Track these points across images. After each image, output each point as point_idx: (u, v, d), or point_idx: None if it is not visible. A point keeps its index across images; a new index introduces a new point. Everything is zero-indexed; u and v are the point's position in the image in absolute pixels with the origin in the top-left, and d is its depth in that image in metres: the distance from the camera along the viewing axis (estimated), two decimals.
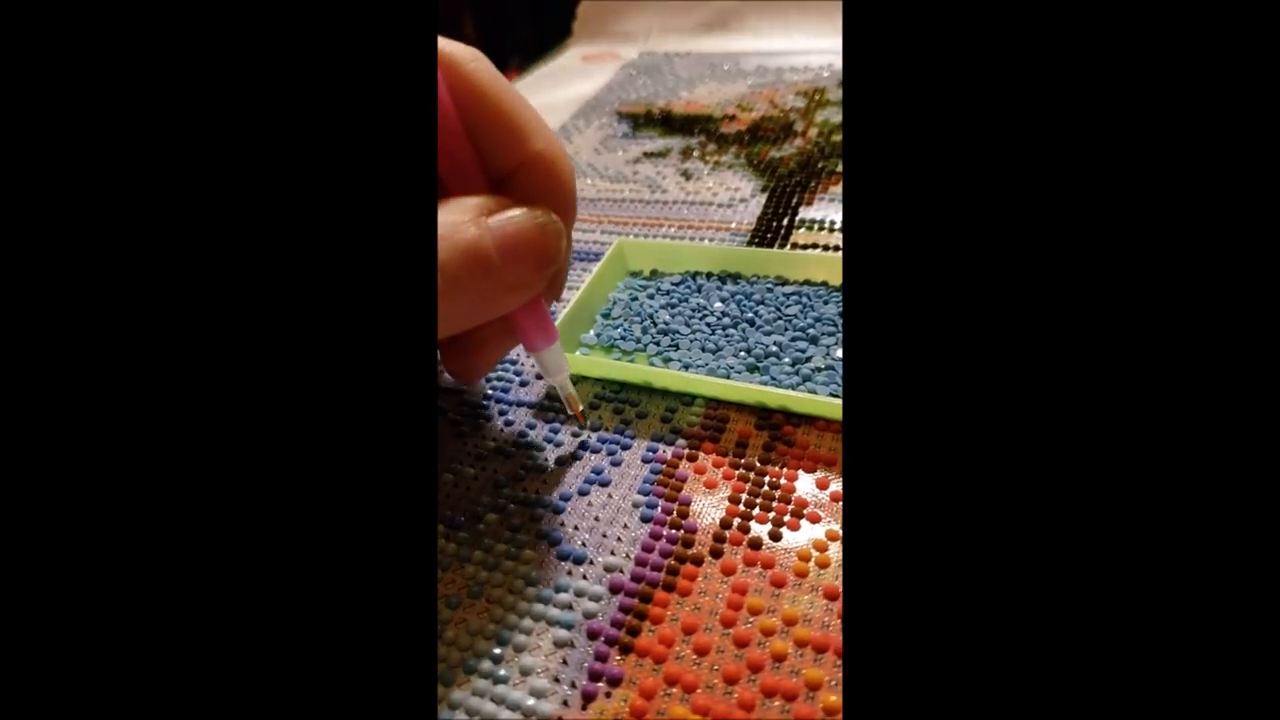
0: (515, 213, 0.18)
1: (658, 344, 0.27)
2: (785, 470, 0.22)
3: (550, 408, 0.26)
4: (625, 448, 0.24)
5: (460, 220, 0.17)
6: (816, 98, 0.50)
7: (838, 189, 0.38)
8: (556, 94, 0.57)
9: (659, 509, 0.22)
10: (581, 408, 0.24)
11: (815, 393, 0.24)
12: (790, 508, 0.21)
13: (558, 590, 0.20)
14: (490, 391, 0.27)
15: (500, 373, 0.28)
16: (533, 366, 0.28)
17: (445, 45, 0.19)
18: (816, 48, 0.59)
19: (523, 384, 0.27)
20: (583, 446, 0.24)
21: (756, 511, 0.21)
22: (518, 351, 0.29)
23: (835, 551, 0.20)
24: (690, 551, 0.20)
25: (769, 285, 0.29)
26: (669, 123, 0.49)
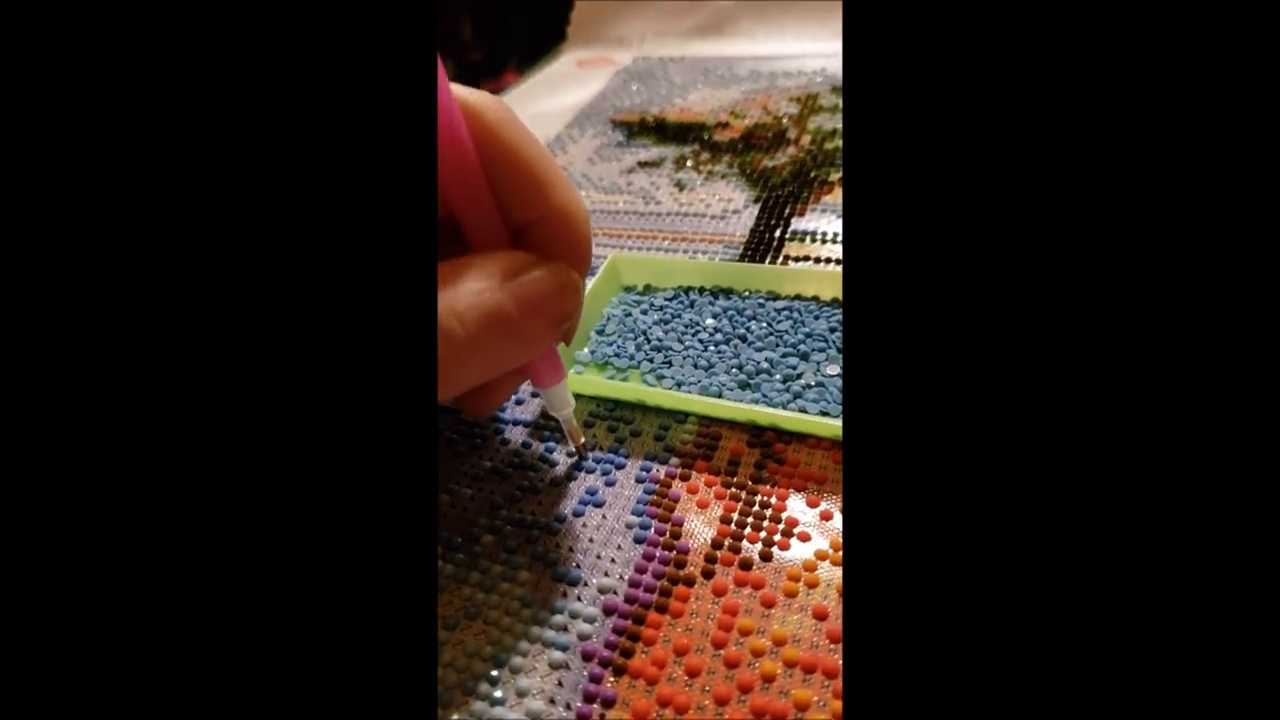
0: (536, 274, 0.19)
1: (651, 361, 0.28)
2: (776, 489, 0.23)
3: (546, 427, 0.26)
4: (619, 467, 0.24)
5: (485, 286, 0.18)
6: (810, 104, 0.50)
7: (830, 199, 0.38)
8: (551, 101, 0.58)
9: (652, 529, 0.22)
10: (584, 440, 0.25)
11: (806, 410, 0.24)
12: (781, 527, 0.22)
13: (553, 612, 0.20)
14: None
15: None
16: (528, 385, 0.28)
17: (470, 94, 0.19)
18: (811, 51, 0.59)
19: (519, 403, 0.28)
20: (578, 466, 0.24)
21: (748, 531, 0.22)
22: None
23: (825, 571, 0.20)
24: (682, 572, 0.21)
25: (761, 300, 0.30)
26: (662, 131, 0.50)
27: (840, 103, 0.48)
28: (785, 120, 0.48)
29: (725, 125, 0.49)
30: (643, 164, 0.45)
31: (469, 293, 0.18)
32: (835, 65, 0.56)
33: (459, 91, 0.19)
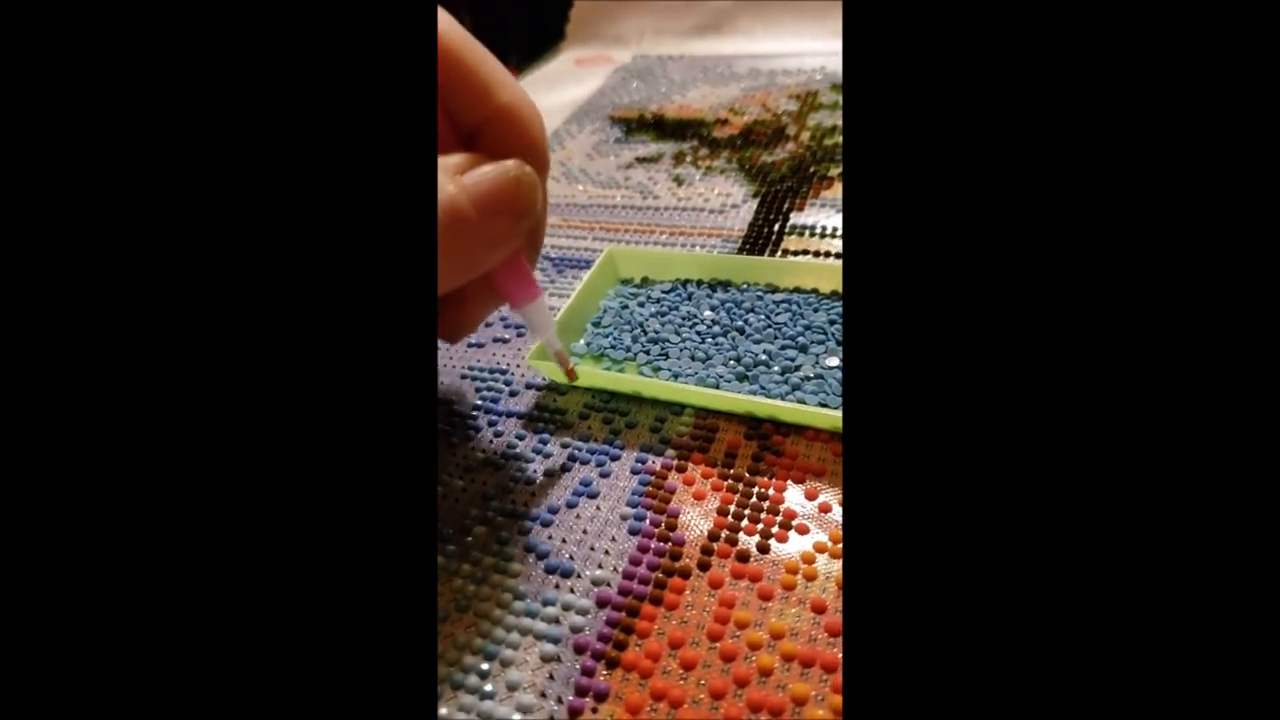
0: (489, 168, 0.18)
1: (647, 352, 0.27)
2: (774, 481, 0.22)
3: (539, 418, 0.26)
4: (614, 458, 0.24)
5: (437, 183, 0.17)
6: (809, 101, 0.50)
7: (829, 194, 0.38)
8: (550, 98, 0.57)
9: (647, 521, 0.22)
10: (572, 364, 0.24)
11: (804, 402, 0.24)
12: (779, 519, 0.21)
13: (545, 604, 0.20)
14: (479, 402, 0.27)
15: (489, 383, 0.28)
16: (522, 376, 0.28)
17: None
18: (810, 49, 0.59)
19: (512, 394, 0.27)
20: (571, 458, 0.24)
21: (745, 523, 0.21)
22: (508, 360, 0.29)
23: (823, 564, 0.20)
24: (678, 564, 0.20)
25: (759, 293, 0.29)
26: (661, 127, 0.49)
27: (840, 100, 0.48)
28: (784, 117, 0.48)
29: (724, 122, 0.49)
30: (641, 159, 0.45)
31: None
32: (835, 63, 0.55)
33: None
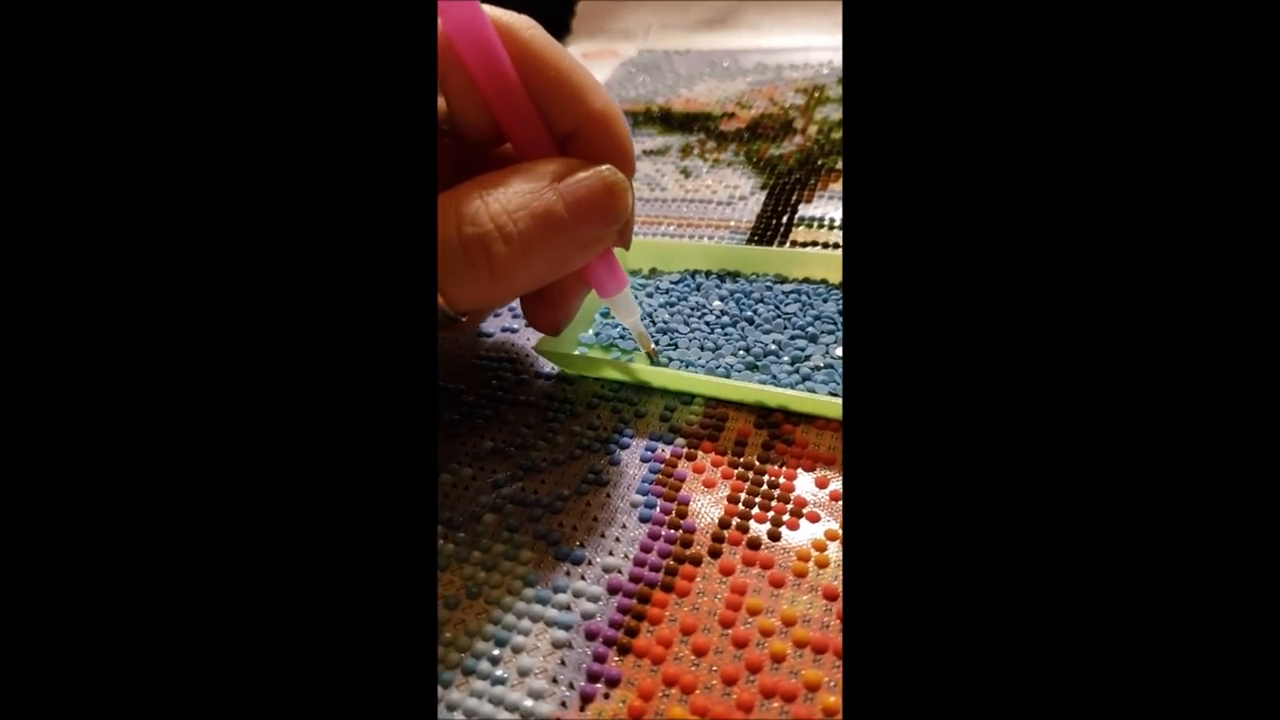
0: (584, 175, 0.19)
1: (656, 343, 0.27)
2: (784, 469, 0.22)
3: (549, 407, 0.26)
4: (624, 447, 0.24)
5: (536, 188, 0.19)
6: (816, 95, 0.50)
7: (837, 186, 0.38)
8: None
9: (657, 509, 0.22)
10: (653, 345, 0.25)
11: (814, 391, 0.24)
12: (789, 507, 0.21)
13: (556, 591, 0.20)
14: (488, 391, 0.27)
15: (498, 372, 0.28)
16: (531, 365, 0.28)
17: (502, 14, 0.20)
18: (817, 44, 0.59)
19: (521, 383, 0.27)
20: (581, 446, 0.24)
21: (755, 511, 0.21)
22: (517, 351, 0.29)
23: (835, 551, 0.20)
24: (689, 551, 0.20)
25: (768, 284, 0.29)
26: (668, 120, 0.49)
27: None
28: (792, 110, 0.48)
29: (731, 115, 0.48)
30: (648, 152, 0.45)
31: (520, 194, 0.19)
32: (841, 58, 0.55)
33: (492, 12, 0.20)
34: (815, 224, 0.35)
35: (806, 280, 0.29)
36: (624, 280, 0.23)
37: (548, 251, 0.19)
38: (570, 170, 0.20)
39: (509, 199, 0.19)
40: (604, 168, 0.20)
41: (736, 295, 0.29)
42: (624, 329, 0.28)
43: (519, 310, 0.31)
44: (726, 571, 0.20)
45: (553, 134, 0.21)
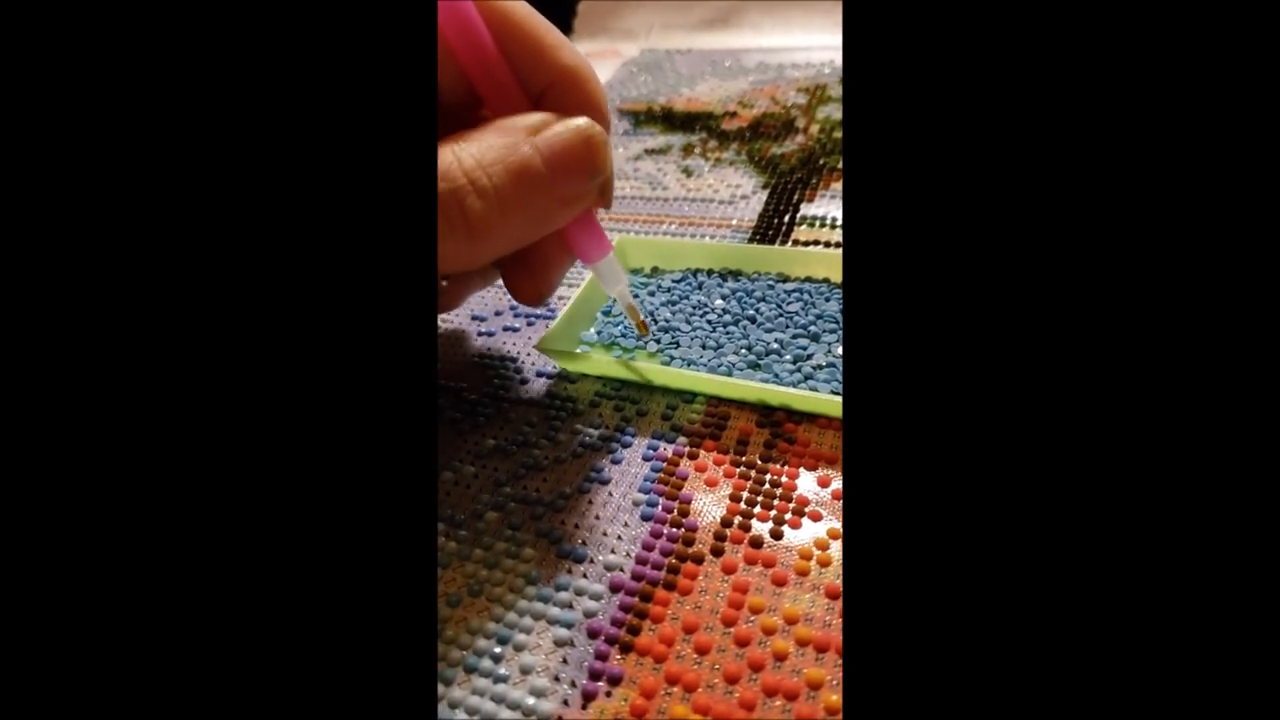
0: (560, 128, 0.19)
1: (658, 341, 0.27)
2: (786, 468, 0.22)
3: (550, 405, 0.26)
4: (626, 445, 0.24)
5: (511, 142, 0.18)
6: (818, 94, 0.49)
7: (839, 185, 0.38)
8: None
9: (659, 507, 0.21)
10: (644, 317, 0.25)
11: (817, 390, 0.24)
12: (792, 506, 0.21)
13: (558, 589, 0.20)
14: (490, 389, 0.27)
15: (500, 370, 0.28)
16: (533, 363, 0.28)
17: None
18: (818, 44, 0.59)
19: (523, 382, 0.27)
20: (583, 445, 0.24)
21: (758, 510, 0.21)
22: (518, 348, 0.29)
23: (837, 550, 0.20)
24: (691, 550, 0.20)
25: (770, 282, 0.29)
26: (670, 120, 0.49)
27: None
28: (794, 110, 0.48)
29: (733, 114, 0.48)
30: (650, 151, 0.45)
31: (494, 148, 0.18)
32: (842, 58, 0.55)
33: None
34: (817, 223, 0.35)
35: (808, 279, 0.29)
36: (608, 245, 0.22)
37: (525, 207, 0.18)
38: (546, 124, 0.19)
39: (483, 153, 0.18)
40: (580, 120, 0.19)
41: (738, 294, 0.29)
42: (625, 327, 0.28)
43: (520, 310, 0.31)
44: (729, 570, 0.20)
45: (527, 92, 0.21)
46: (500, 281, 0.33)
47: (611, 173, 0.21)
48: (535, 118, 0.19)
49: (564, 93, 0.21)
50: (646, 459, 0.23)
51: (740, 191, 0.39)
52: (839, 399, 0.23)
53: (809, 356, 0.25)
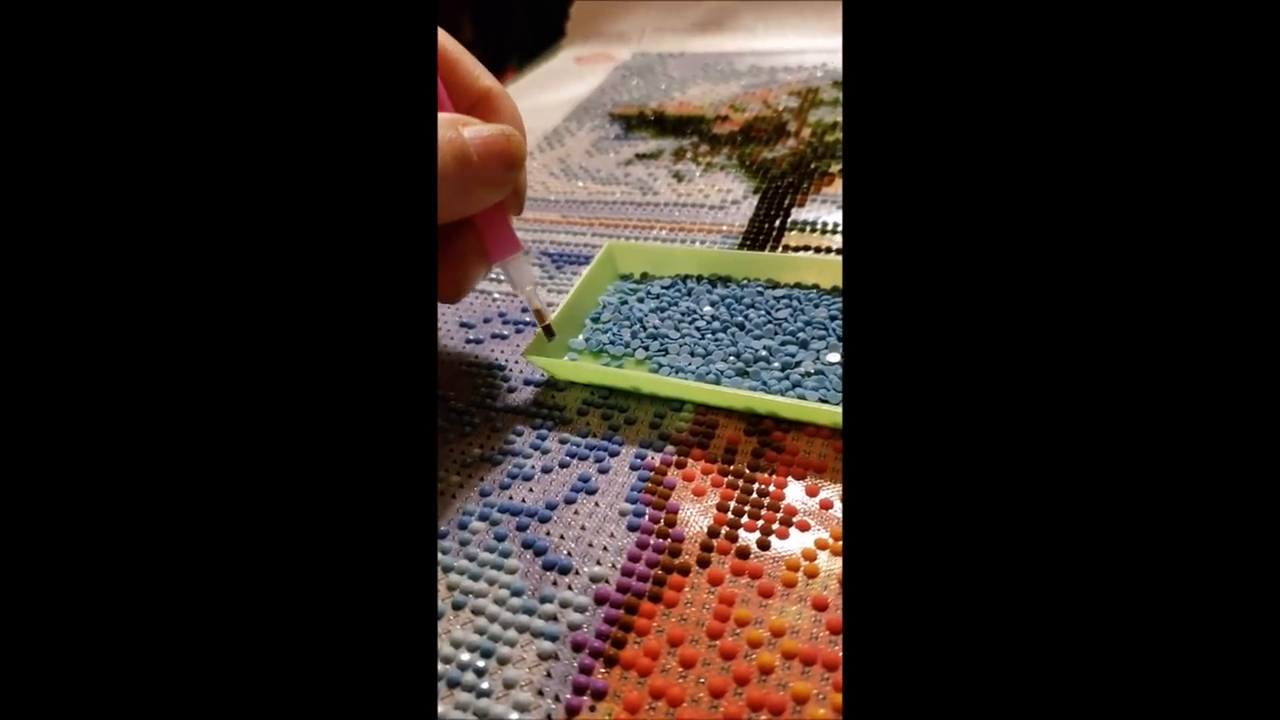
0: (485, 126, 0.23)
1: (647, 348, 0.27)
2: (774, 477, 0.22)
3: (537, 414, 0.26)
4: (613, 454, 0.24)
5: (451, 135, 0.22)
6: (810, 98, 0.49)
7: (830, 190, 0.37)
8: (549, 96, 0.57)
9: (646, 517, 0.21)
10: (549, 321, 0.26)
11: (805, 398, 0.24)
12: (779, 516, 0.21)
13: (543, 601, 0.19)
14: (477, 398, 0.27)
15: (487, 379, 0.27)
16: (521, 371, 0.28)
17: None
18: (811, 47, 0.59)
19: (510, 390, 0.27)
20: (570, 454, 0.24)
21: (745, 520, 0.21)
22: (505, 357, 0.29)
23: (824, 560, 0.20)
24: (677, 561, 0.20)
25: (759, 289, 0.29)
26: (661, 124, 0.49)
27: (841, 96, 0.48)
28: (785, 114, 0.47)
29: (724, 118, 0.48)
30: (641, 156, 0.45)
31: (439, 139, 0.21)
32: (836, 60, 0.55)
33: None
34: (808, 228, 0.34)
35: (798, 285, 0.29)
36: (517, 245, 0.25)
37: (454, 182, 0.21)
38: (473, 123, 0.23)
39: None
40: (502, 125, 0.23)
41: (727, 300, 0.29)
42: (614, 334, 0.28)
43: (510, 316, 0.31)
44: (715, 581, 0.19)
45: (456, 109, 0.24)
46: (490, 290, 0.33)
47: (524, 181, 0.24)
48: (465, 117, 0.23)
49: (486, 112, 0.25)
50: (634, 468, 0.23)
51: (731, 196, 0.38)
52: (827, 406, 0.23)
53: (798, 364, 0.25)
